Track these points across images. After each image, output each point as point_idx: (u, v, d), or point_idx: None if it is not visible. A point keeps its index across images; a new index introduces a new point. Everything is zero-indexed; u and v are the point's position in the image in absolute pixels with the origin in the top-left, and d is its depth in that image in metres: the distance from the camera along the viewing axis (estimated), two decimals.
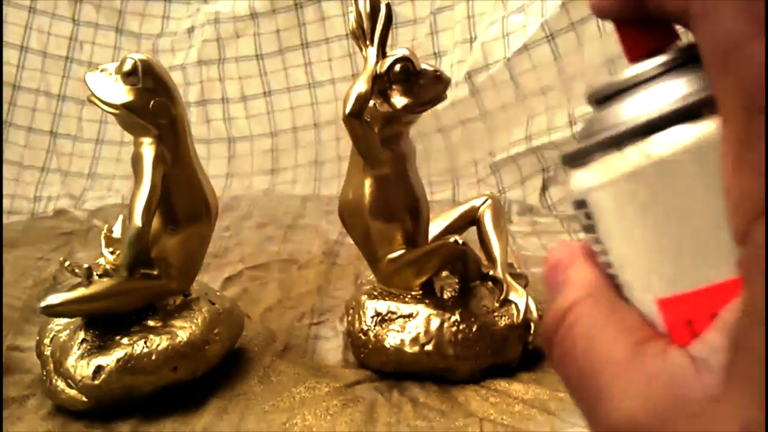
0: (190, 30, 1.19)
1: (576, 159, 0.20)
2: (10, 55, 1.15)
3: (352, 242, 0.83)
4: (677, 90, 0.18)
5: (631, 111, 0.19)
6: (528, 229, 0.88)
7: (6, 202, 1.09)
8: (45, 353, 0.53)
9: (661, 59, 0.19)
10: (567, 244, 0.22)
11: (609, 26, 0.93)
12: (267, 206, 1.02)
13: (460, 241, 0.52)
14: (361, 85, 0.51)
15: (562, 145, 0.96)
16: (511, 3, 1.02)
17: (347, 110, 0.50)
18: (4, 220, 1.05)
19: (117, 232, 0.57)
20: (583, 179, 0.20)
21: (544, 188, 1.00)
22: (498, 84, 1.03)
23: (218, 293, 0.58)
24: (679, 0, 0.17)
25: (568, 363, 0.19)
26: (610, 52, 0.92)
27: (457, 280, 0.56)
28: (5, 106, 1.14)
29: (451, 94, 1.09)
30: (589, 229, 0.20)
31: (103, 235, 0.54)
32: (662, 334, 0.19)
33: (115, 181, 1.14)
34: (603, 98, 0.20)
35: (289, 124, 1.17)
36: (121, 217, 0.58)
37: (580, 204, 0.20)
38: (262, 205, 1.03)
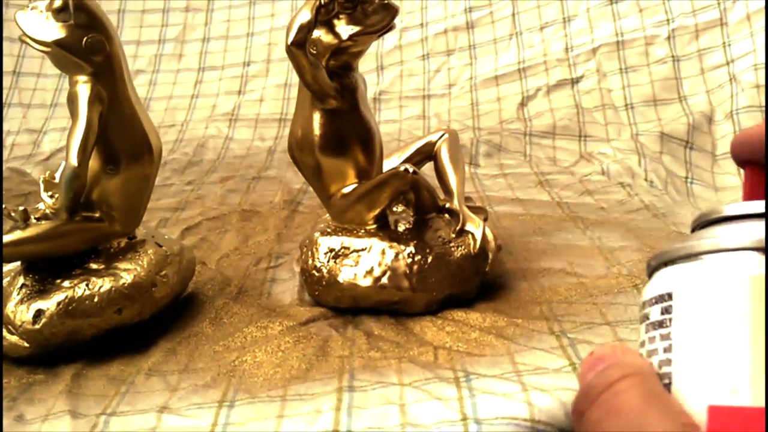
0: None
1: (680, 255, 0.23)
2: None
3: None
4: None
5: (744, 232, 0.22)
6: (495, 171, 0.87)
7: None
8: None
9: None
10: (612, 345, 0.24)
11: None
12: (232, 162, 1.01)
13: (411, 170, 0.51)
14: (305, 15, 0.49)
15: (553, 69, 0.98)
16: None
17: (289, 40, 0.48)
18: None
19: (58, 177, 0.55)
20: (680, 274, 0.22)
21: (522, 104, 1.00)
22: (496, 20, 1.07)
23: (166, 237, 0.57)
24: None
25: (612, 421, 0.21)
26: None
27: (412, 213, 0.54)
28: None
29: (445, 23, 1.12)
30: (659, 324, 0.22)
31: (41, 179, 0.52)
32: None
33: None
34: (714, 220, 0.24)
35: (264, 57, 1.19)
36: (63, 163, 0.56)
37: (662, 298, 0.23)
38: (227, 161, 1.01)
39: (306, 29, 0.49)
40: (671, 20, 0.94)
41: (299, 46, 0.49)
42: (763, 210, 0.22)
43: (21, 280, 0.50)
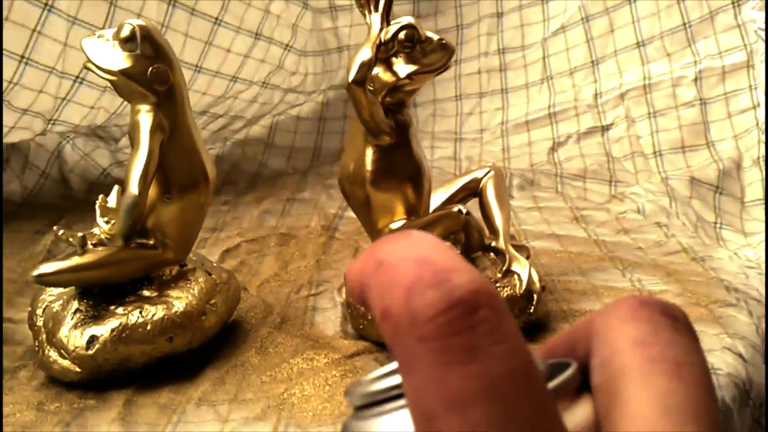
0: None
1: None
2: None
3: (351, 216, 0.83)
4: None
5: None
6: (529, 204, 0.87)
7: None
8: (37, 324, 0.52)
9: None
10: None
11: (642, 11, 0.97)
12: (265, 182, 1.01)
13: (464, 211, 0.51)
14: (366, 53, 0.50)
15: (583, 114, 0.99)
16: None
17: (351, 77, 0.49)
18: None
19: (112, 202, 0.56)
20: None
21: (553, 149, 1.01)
22: (528, 63, 1.08)
23: (215, 264, 0.57)
24: None
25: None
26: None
27: (458, 251, 0.55)
28: None
29: (478, 63, 1.13)
30: None
31: (98, 204, 0.53)
32: None
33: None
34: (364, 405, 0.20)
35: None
36: (116, 187, 0.57)
37: None
38: (261, 181, 1.02)
39: (367, 67, 0.49)
40: (698, 62, 0.94)
41: (359, 84, 0.49)
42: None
43: (75, 304, 0.50)
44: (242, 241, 0.77)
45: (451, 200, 0.58)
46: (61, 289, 0.52)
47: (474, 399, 0.16)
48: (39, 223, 0.87)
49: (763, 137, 0.86)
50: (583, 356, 0.21)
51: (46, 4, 0.80)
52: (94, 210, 0.92)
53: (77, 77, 0.86)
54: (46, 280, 0.48)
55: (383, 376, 0.19)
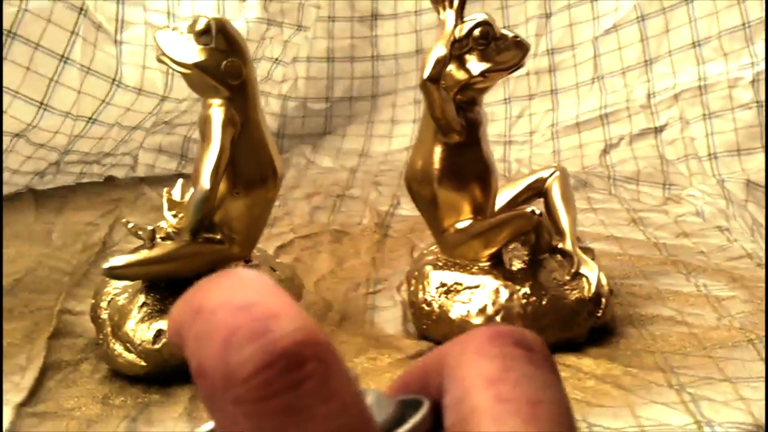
0: None
1: None
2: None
3: (403, 214, 0.83)
4: None
5: None
6: (584, 205, 0.86)
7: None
8: (101, 317, 0.52)
9: None
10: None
11: (699, 12, 0.96)
12: (315, 177, 1.01)
13: (537, 212, 0.51)
14: (440, 50, 0.49)
15: (635, 115, 0.98)
16: None
17: (426, 74, 0.48)
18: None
19: (176, 196, 0.55)
20: None
21: (605, 151, 0.99)
22: (578, 63, 1.06)
23: (277, 260, 0.57)
24: None
25: None
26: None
27: (526, 252, 0.54)
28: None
29: (526, 65, 1.11)
30: None
31: (165, 198, 0.52)
32: None
33: None
34: None
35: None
36: (180, 181, 0.56)
37: None
38: (310, 176, 1.02)
39: (442, 64, 0.49)
40: (756, 63, 0.92)
41: (434, 82, 0.49)
42: None
43: (142, 298, 0.50)
44: (295, 237, 0.76)
45: (515, 200, 0.58)
46: (126, 282, 0.52)
47: None
48: (89, 214, 0.88)
49: None
50: (436, 393, 0.19)
51: (62, 56, 0.85)
52: (144, 202, 0.93)
53: (90, 118, 0.90)
54: (116, 273, 0.48)
55: None
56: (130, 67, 0.91)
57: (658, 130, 0.99)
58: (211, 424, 0.18)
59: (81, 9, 0.86)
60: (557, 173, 0.58)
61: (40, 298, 0.63)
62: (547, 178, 0.58)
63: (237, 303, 0.15)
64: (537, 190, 0.58)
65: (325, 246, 0.75)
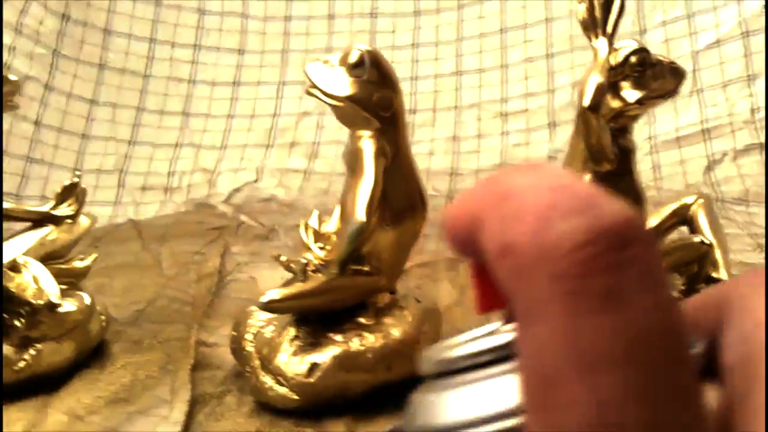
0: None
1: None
2: (139, 47, 1.19)
3: None
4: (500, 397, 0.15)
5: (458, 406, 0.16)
6: None
7: (139, 179, 1.11)
8: (246, 349, 0.52)
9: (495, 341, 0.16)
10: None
11: None
12: None
13: (706, 242, 0.49)
14: (598, 77, 0.48)
15: (739, 131, 0.94)
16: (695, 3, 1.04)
17: (586, 103, 0.47)
18: (139, 199, 1.07)
19: (313, 225, 0.55)
20: None
21: (709, 168, 0.97)
22: None
23: (418, 290, 0.56)
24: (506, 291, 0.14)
25: None
26: None
27: (683, 282, 0.52)
28: (137, 94, 1.17)
29: None
30: None
31: (311, 231, 0.52)
32: None
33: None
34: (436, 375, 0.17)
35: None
36: (315, 212, 0.56)
37: None
38: None
39: (601, 92, 0.47)
40: None
41: (595, 110, 0.47)
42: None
43: (293, 331, 0.50)
44: (413, 266, 0.76)
45: (661, 227, 0.56)
46: (269, 315, 0.52)
47: (611, 360, 0.12)
48: (193, 242, 0.88)
49: None
50: (708, 333, 0.16)
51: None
52: (246, 231, 0.93)
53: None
54: (273, 307, 0.48)
55: (469, 340, 0.16)
56: None
57: (763, 147, 0.97)
58: (479, 330, 0.17)
59: None
60: (701, 200, 0.57)
61: (167, 329, 0.64)
62: (690, 205, 0.57)
63: (551, 185, 0.14)
64: (682, 217, 0.57)
65: (443, 274, 0.74)
